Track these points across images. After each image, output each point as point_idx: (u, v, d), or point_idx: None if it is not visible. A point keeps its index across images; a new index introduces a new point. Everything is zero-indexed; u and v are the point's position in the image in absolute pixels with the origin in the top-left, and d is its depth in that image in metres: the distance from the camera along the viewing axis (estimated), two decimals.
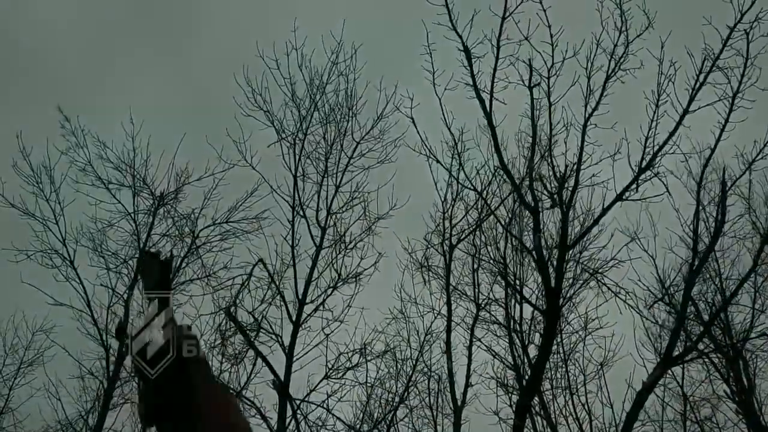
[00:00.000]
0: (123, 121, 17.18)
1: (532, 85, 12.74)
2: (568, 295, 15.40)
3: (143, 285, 3.03)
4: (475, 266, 16.46)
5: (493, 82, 12.58)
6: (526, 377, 14.68)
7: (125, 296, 17.06)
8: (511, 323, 16.29)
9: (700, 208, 14.48)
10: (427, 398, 16.33)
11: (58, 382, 17.36)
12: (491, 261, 16.52)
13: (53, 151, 17.09)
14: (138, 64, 27.50)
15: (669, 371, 16.65)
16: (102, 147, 17.38)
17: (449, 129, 13.60)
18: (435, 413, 16.31)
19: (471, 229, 16.28)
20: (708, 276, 17.51)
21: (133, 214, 17.65)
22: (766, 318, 16.58)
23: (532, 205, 12.53)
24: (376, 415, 15.68)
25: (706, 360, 16.97)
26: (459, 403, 15.26)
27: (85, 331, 17.05)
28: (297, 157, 15.61)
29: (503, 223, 15.50)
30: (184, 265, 17.39)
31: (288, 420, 14.12)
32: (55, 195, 17.07)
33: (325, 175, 15.70)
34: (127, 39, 28.23)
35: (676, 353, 13.51)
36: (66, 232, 17.09)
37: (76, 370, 17.40)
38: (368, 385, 15.31)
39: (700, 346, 15.24)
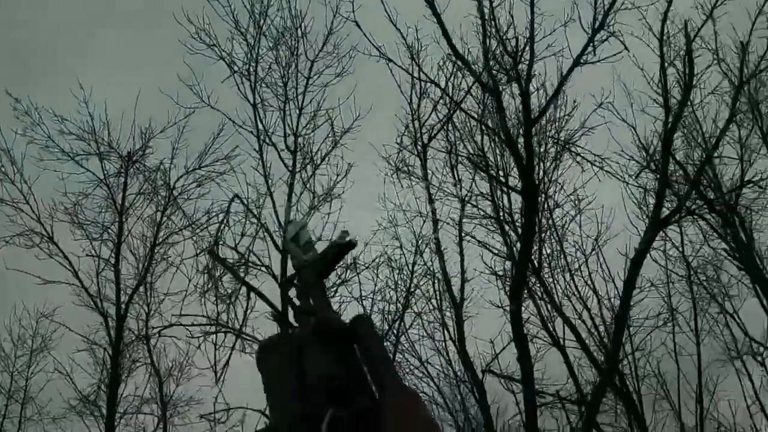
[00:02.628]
0: (72, 88, 16.99)
1: None
2: (548, 172, 15.28)
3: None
4: (453, 162, 16.24)
5: None
6: None
7: (111, 260, 17.09)
8: (501, 214, 16.09)
9: (666, 63, 14.20)
10: (431, 301, 16.25)
11: (69, 360, 17.49)
12: (470, 155, 16.25)
13: (8, 134, 17.02)
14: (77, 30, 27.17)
15: (667, 237, 16.63)
16: (60, 121, 17.23)
17: (395, 25, 13.30)
18: (442, 315, 16.24)
19: (440, 124, 15.99)
20: (691, 137, 17.37)
21: (104, 180, 17.56)
22: (755, 171, 16.46)
23: (492, 85, 12.28)
24: (383, 326, 15.59)
25: (700, 220, 16.90)
26: (458, 300, 15.19)
27: (81, 304, 17.13)
28: (252, 87, 15.36)
29: (471, 114, 15.24)
30: (164, 219, 17.38)
31: None
32: (19, 176, 17.03)
33: (286, 100, 15.47)
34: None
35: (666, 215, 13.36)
36: (39, 210, 17.11)
37: (83, 345, 17.60)
38: (362, 299, 15.18)
39: (695, 209, 15.18)
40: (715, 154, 15.45)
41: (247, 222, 14.23)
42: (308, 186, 14.97)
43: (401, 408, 1.98)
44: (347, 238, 2.75)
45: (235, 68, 15.42)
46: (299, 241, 2.88)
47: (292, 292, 2.54)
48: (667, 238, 17.00)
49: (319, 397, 2.14)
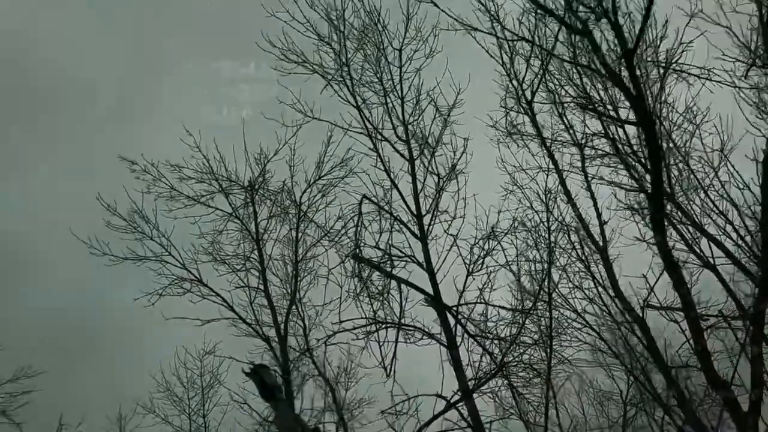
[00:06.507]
0: (181, 137, 17.82)
1: None
2: (657, 96, 15.12)
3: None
4: (560, 111, 16.24)
5: None
6: None
7: (260, 287, 17.81)
8: (621, 147, 15.97)
9: None
10: (573, 252, 16.31)
11: (241, 390, 18.26)
12: (574, 99, 16.19)
13: (134, 195, 17.88)
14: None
15: None
16: (178, 170, 18.01)
17: None
18: (587, 263, 16.28)
19: (538, 78, 16.00)
20: None
21: (234, 213, 18.30)
22: None
23: (580, 27, 12.28)
24: (531, 287, 15.81)
25: None
26: (601, 244, 15.22)
27: (240, 334, 17.95)
28: (350, 90, 15.73)
29: (565, 59, 15.15)
30: (300, 235, 18.03)
31: (453, 327, 14.41)
32: (156, 231, 18.01)
33: (385, 94, 15.76)
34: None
35: None
36: (182, 257, 18.10)
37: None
38: (510, 264, 15.41)
39: None
40: None
41: (380, 218, 14.64)
42: (430, 169, 15.22)
43: None
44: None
45: (329, 77, 15.77)
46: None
47: None
48: None
49: None
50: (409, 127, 15.69)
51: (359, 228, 14.48)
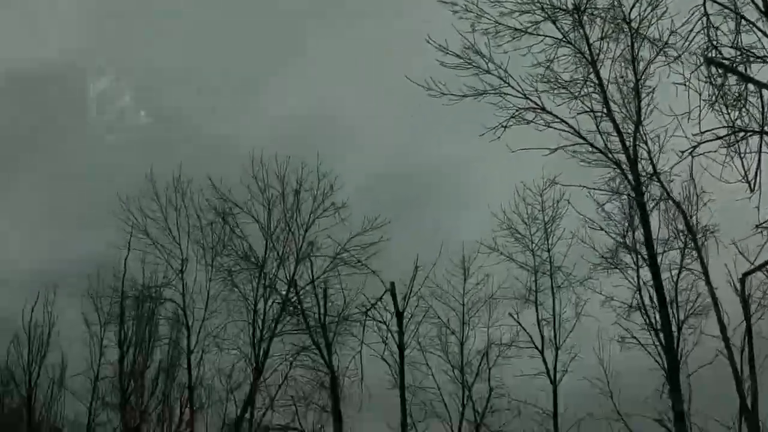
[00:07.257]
0: None
1: None
2: None
3: None
4: None
5: None
6: None
7: (603, 109, 17.21)
8: None
9: None
10: None
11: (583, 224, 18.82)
12: None
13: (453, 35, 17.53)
14: None
15: None
16: (498, 4, 17.56)
17: None
18: None
19: None
20: None
21: (564, 38, 17.70)
22: None
23: None
24: None
25: None
26: None
27: (586, 162, 17.96)
28: None
29: None
30: (637, 53, 17.06)
31: None
32: (492, 64, 17.75)
33: None
34: None
35: None
36: (522, 88, 17.78)
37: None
38: None
39: None
40: None
41: (736, 17, 13.27)
42: None
43: None
44: None
45: None
46: None
47: None
48: None
49: None
50: None
51: (708, 28, 13.23)
